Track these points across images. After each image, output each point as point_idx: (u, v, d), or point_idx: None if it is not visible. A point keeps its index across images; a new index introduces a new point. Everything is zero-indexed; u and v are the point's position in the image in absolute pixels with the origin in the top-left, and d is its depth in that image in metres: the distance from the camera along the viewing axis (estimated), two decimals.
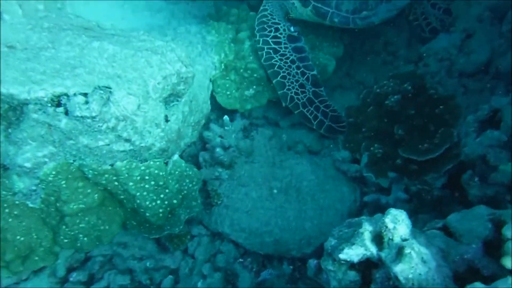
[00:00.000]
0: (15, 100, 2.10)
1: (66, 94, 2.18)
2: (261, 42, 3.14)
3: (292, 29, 3.22)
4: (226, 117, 3.15)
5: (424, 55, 3.32)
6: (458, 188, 2.41)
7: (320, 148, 3.32)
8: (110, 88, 2.30)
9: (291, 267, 2.83)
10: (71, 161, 2.40)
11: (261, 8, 3.23)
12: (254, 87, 3.23)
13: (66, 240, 2.46)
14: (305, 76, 3.12)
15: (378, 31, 3.64)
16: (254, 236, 2.77)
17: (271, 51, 3.12)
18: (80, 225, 2.45)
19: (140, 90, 2.41)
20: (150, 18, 3.85)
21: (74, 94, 2.20)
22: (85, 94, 2.22)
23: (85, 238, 2.47)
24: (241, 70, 3.20)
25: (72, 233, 2.44)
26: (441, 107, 2.74)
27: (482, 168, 1.98)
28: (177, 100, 2.73)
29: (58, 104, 2.21)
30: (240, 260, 2.84)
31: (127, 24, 3.72)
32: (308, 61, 3.16)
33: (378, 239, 1.34)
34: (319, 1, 3.06)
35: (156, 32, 3.27)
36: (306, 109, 3.11)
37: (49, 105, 2.17)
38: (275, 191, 2.91)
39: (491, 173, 1.90)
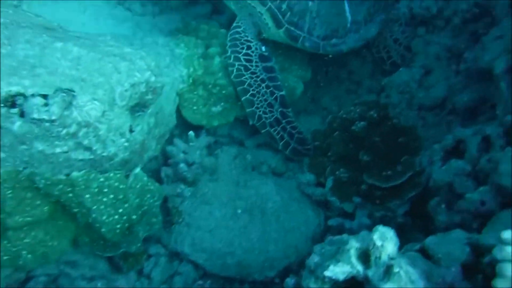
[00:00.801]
0: None
1: (23, 94, 1.99)
2: (232, 58, 3.11)
3: (263, 48, 3.23)
4: (191, 133, 3.05)
5: (386, 86, 3.46)
6: (421, 215, 2.48)
7: (284, 170, 3.31)
8: (73, 91, 2.14)
9: None
10: (21, 169, 2.17)
11: (234, 24, 3.23)
12: (222, 103, 3.18)
13: (6, 257, 2.18)
14: (274, 96, 3.13)
15: (344, 60, 3.76)
16: (216, 257, 2.64)
17: (242, 68, 3.10)
18: (25, 240, 2.20)
19: (106, 96, 2.26)
20: (114, 27, 3.70)
21: (33, 95, 2.01)
22: (45, 96, 2.04)
23: (29, 255, 2.21)
24: (210, 86, 3.14)
25: (15, 249, 2.18)
26: (403, 137, 2.84)
27: (449, 196, 2.05)
28: (143, 111, 2.59)
29: (13, 105, 2.00)
30: (199, 282, 2.69)
31: (89, 30, 3.54)
32: (277, 81, 3.17)
33: (365, 256, 1.31)
34: (292, 24, 3.11)
35: (123, 40, 3.13)
36: (273, 129, 3.10)
37: (2, 105, 1.96)
38: (239, 211, 2.82)
39: (458, 201, 1.97)
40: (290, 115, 3.18)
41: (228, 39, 3.18)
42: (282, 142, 3.11)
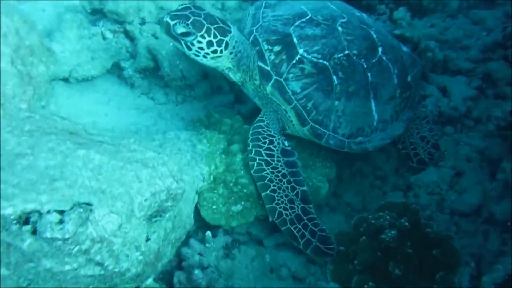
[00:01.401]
0: None
1: (38, 211, 1.88)
2: (253, 153, 3.03)
3: (286, 143, 3.15)
4: (208, 234, 2.89)
5: (414, 185, 3.30)
6: None
7: (306, 275, 3.07)
8: (91, 205, 2.02)
9: None
10: (24, 286, 1.99)
11: (258, 118, 3.20)
12: (243, 202, 3.03)
13: None
14: (295, 191, 2.98)
15: (368, 155, 3.65)
16: None
17: (263, 163, 3.00)
18: None
19: (124, 208, 2.14)
20: (136, 117, 3.72)
21: (48, 211, 1.89)
22: (61, 212, 1.92)
23: None
24: (231, 184, 3.02)
25: None
26: (438, 248, 2.62)
27: None
28: (161, 216, 2.46)
29: (26, 221, 1.88)
30: None
31: (111, 121, 3.55)
32: (299, 176, 3.05)
33: None
34: (317, 122, 3.06)
35: (144, 137, 3.10)
36: (294, 226, 2.91)
37: (15, 222, 1.85)
38: None
39: None
40: (311, 211, 3.01)
41: (251, 132, 3.12)
42: (303, 241, 2.90)
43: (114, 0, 3.50)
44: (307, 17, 3.14)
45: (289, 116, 3.12)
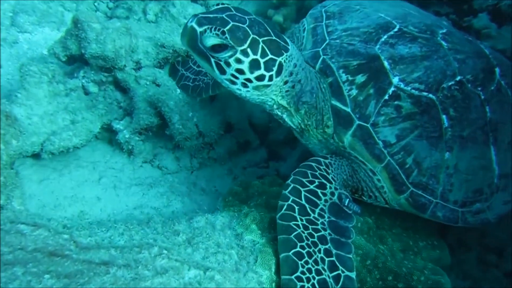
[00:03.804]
0: None
1: None
2: (289, 189, 1.97)
3: (347, 201, 2.02)
4: None
5: None
6: None
7: None
8: None
9: None
10: None
11: (320, 155, 2.18)
12: None
13: None
14: (335, 273, 1.79)
15: None
16: None
17: (296, 208, 1.91)
18: None
19: None
20: (140, 196, 2.65)
21: None
22: None
23: None
24: None
25: None
26: None
27: None
28: None
29: None
30: None
31: (106, 207, 2.47)
32: (348, 252, 1.86)
33: None
34: (419, 186, 2.03)
35: (161, 229, 2.00)
36: None
37: None
38: None
39: None
40: None
41: (302, 164, 2.09)
42: None
43: (99, 40, 2.53)
44: (395, 29, 2.17)
45: (378, 180, 2.09)
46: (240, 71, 1.88)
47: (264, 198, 2.36)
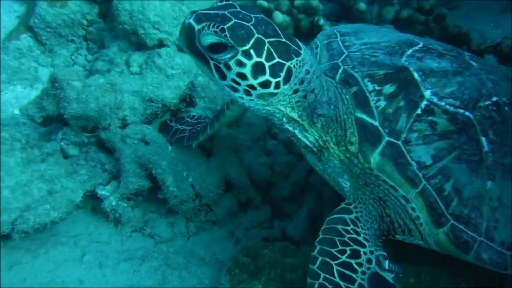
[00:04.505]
0: None
1: None
2: (317, 264, 1.63)
3: (386, 263, 1.73)
4: None
5: None
6: None
7: None
8: None
9: None
10: None
11: (343, 205, 1.86)
12: None
13: None
14: None
15: None
16: None
17: None
18: None
19: None
20: (131, 274, 2.30)
21: None
22: None
23: None
24: None
25: None
26: None
27: None
28: None
29: None
30: None
31: None
32: None
33: None
34: (460, 219, 1.75)
35: None
36: None
37: None
38: None
39: None
40: None
41: (323, 227, 1.75)
42: None
43: (80, 100, 2.24)
44: (420, 45, 1.98)
45: (413, 209, 1.79)
46: (242, 76, 1.61)
47: (278, 272, 2.05)
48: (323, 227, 1.79)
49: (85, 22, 3.18)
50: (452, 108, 1.82)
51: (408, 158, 1.75)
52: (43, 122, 2.43)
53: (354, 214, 1.82)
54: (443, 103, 1.82)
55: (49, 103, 2.33)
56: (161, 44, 3.01)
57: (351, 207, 1.84)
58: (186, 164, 2.50)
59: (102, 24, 3.25)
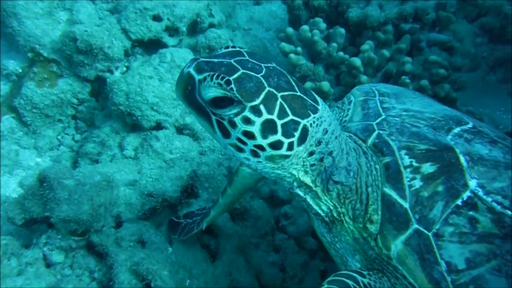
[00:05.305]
0: None
1: None
2: None
3: None
4: None
5: None
6: None
7: None
8: None
9: None
10: None
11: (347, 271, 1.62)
12: None
13: None
14: None
15: None
16: None
17: None
18: None
19: None
20: None
21: None
22: None
23: None
24: None
25: None
26: None
27: None
28: None
29: None
30: None
31: None
32: None
33: None
34: None
35: None
36: None
37: None
38: None
39: None
40: None
41: (330, 278, 1.49)
42: None
43: (72, 201, 1.94)
44: (469, 125, 1.76)
45: None
46: (249, 135, 1.37)
47: None
48: (328, 279, 1.49)
49: (75, 101, 2.95)
50: (499, 207, 1.58)
51: (438, 255, 1.46)
52: (24, 223, 2.09)
53: (367, 280, 1.54)
54: (489, 199, 1.58)
55: (34, 204, 2.01)
56: (158, 126, 2.80)
57: (365, 273, 1.56)
58: (188, 271, 2.18)
59: (93, 102, 3.03)
